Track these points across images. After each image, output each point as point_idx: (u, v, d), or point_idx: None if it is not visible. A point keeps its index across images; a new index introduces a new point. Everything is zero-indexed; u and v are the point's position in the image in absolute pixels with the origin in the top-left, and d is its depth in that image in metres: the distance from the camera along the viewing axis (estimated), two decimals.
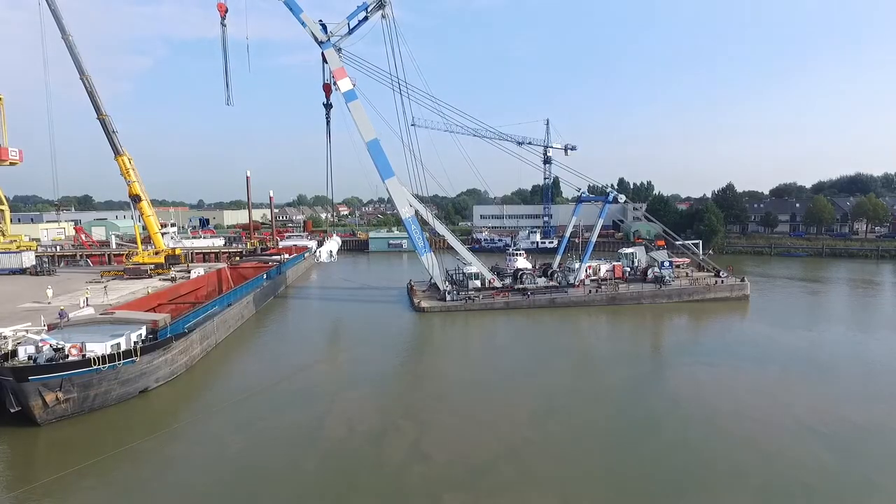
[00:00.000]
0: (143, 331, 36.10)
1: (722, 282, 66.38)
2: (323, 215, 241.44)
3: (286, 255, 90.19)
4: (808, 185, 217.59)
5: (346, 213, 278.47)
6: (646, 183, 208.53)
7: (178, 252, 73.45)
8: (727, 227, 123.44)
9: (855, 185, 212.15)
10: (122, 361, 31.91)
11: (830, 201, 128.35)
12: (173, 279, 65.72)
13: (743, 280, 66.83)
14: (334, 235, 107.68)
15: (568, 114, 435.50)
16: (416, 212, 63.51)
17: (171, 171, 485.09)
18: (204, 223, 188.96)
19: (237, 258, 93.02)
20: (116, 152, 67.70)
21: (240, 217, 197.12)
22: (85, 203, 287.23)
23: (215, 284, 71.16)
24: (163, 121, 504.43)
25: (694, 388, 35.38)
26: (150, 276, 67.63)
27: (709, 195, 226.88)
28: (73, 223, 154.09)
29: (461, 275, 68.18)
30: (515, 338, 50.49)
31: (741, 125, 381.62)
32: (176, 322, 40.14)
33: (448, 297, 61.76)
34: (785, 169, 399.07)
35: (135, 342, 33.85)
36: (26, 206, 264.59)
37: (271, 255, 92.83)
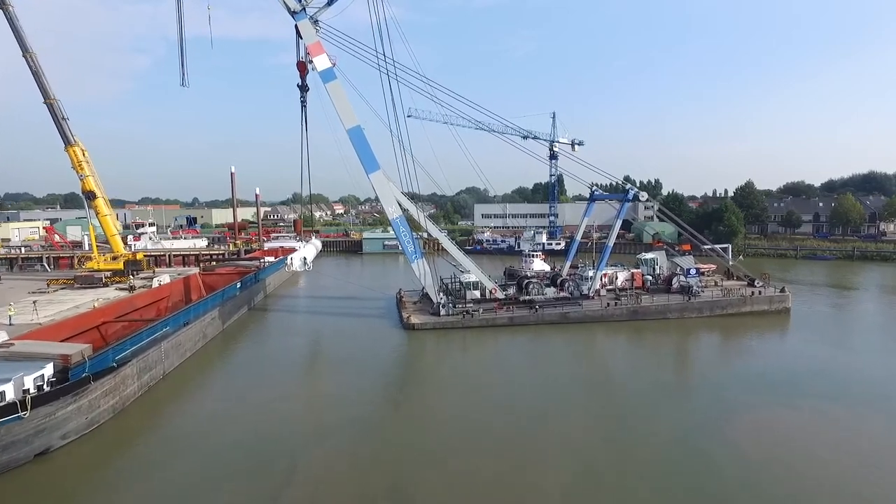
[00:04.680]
0: (49, 369, 27.79)
1: (760, 292, 58.05)
2: (317, 214, 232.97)
3: (267, 260, 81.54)
4: (817, 184, 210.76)
5: (340, 211, 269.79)
6: (653, 181, 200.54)
7: (139, 257, 65.20)
8: (746, 227, 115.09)
9: (870, 183, 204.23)
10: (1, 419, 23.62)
11: (858, 200, 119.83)
12: (131, 288, 57.42)
13: (783, 290, 58.49)
14: (313, 239, 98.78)
15: (568, 113, 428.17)
16: (406, 212, 55.24)
17: (172, 169, 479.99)
18: (191, 222, 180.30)
19: (214, 262, 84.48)
20: (67, 142, 59.31)
21: (230, 215, 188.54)
22: (72, 201, 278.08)
23: (182, 294, 62.63)
24: (163, 119, 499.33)
25: (766, 441, 27.19)
26: (106, 285, 59.35)
27: (710, 194, 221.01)
28: (48, 222, 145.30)
29: (458, 284, 59.92)
30: (525, 365, 42.05)
31: (742, 124, 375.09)
32: (102, 353, 31.86)
33: (442, 312, 53.38)
34: (787, 168, 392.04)
35: (26, 389, 25.53)
36: (15, 205, 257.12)
37: (249, 259, 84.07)
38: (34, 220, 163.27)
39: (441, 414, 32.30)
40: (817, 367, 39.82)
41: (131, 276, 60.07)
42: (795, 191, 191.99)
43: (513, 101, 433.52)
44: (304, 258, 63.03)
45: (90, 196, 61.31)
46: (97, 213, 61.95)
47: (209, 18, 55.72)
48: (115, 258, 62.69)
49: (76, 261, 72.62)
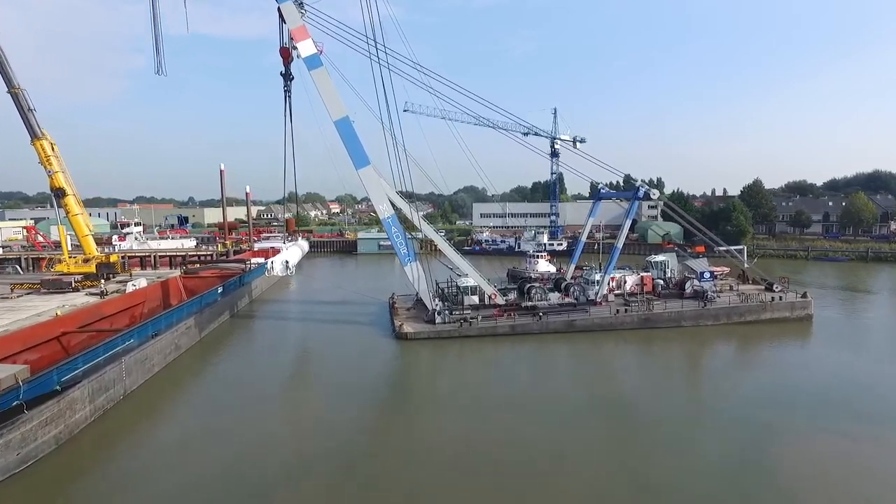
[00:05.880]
0: None
1: (780, 298, 53.95)
2: (312, 213, 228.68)
3: (255, 261, 77.01)
4: (819, 183, 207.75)
5: (337, 210, 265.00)
6: (655, 180, 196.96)
7: (114, 259, 60.68)
8: (753, 227, 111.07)
9: (875, 182, 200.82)
10: None
11: (870, 199, 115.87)
12: (102, 294, 53.11)
13: (805, 296, 54.41)
14: (299, 240, 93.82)
15: (568, 113, 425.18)
16: (400, 211, 51.07)
17: (172, 169, 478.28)
18: (182, 221, 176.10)
19: (197, 265, 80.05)
20: (34, 135, 54.95)
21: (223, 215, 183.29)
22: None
23: (160, 300, 58.34)
24: (163, 119, 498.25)
25: (823, 481, 23.03)
26: (77, 290, 55.03)
27: (709, 193, 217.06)
28: (33, 221, 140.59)
29: (454, 288, 55.82)
30: (531, 382, 37.61)
31: (742, 124, 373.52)
32: (43, 375, 27.53)
33: (438, 319, 49.22)
34: (787, 168, 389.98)
35: None
36: (4, 203, 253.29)
37: (236, 261, 79.43)
38: (20, 219, 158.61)
39: (436, 443, 28.06)
40: (860, 383, 35.65)
41: (102, 281, 55.68)
42: (798, 190, 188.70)
43: (513, 100, 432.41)
44: (286, 262, 58.33)
45: (59, 193, 57.01)
46: (67, 212, 57.71)
47: (185, 2, 51.20)
48: (86, 260, 58.33)
49: (44, 262, 68.25)
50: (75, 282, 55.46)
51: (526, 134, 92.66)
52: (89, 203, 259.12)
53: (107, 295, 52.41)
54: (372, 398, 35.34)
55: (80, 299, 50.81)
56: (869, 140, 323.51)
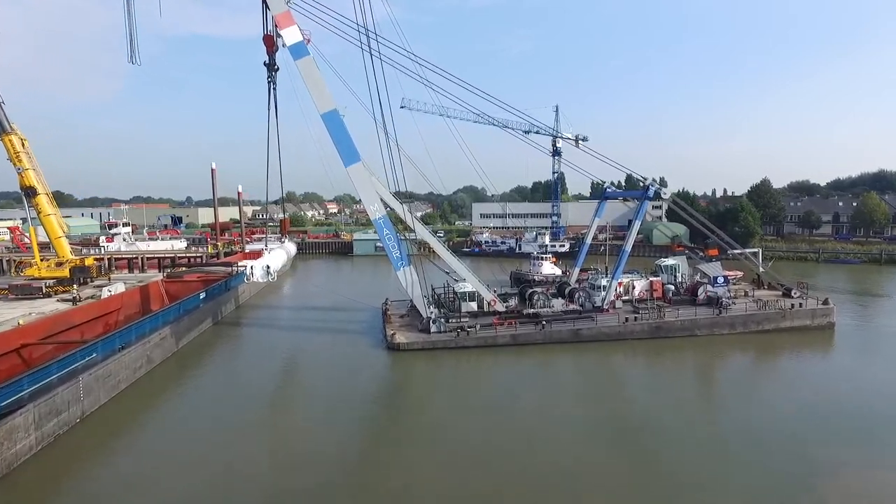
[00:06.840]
0: None
1: (801, 305, 50.39)
2: (309, 213, 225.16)
3: (242, 264, 73.22)
4: (822, 183, 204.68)
5: (334, 210, 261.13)
6: (657, 179, 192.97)
7: (88, 262, 57.11)
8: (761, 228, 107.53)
9: (880, 181, 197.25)
10: None
11: (882, 199, 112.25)
12: (75, 300, 49.59)
13: (826, 302, 50.86)
14: (286, 242, 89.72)
15: (565, 112, 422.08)
16: (392, 212, 47.57)
17: (172, 169, 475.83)
18: (176, 221, 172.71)
19: (183, 268, 76.42)
20: (2, 130, 51.45)
21: (221, 215, 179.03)
22: (59, 199, 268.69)
23: (138, 306, 54.73)
24: (163, 119, 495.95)
25: None
26: (49, 296, 51.51)
27: (709, 193, 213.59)
28: (21, 221, 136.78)
29: (451, 294, 52.31)
30: (536, 401, 33.62)
31: (738, 123, 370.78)
32: None
33: (433, 328, 45.68)
34: (784, 168, 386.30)
35: None
36: (5, 203, 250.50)
37: (223, 264, 75.71)
38: (9, 218, 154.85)
39: (429, 479, 24.50)
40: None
41: (75, 286, 52.14)
42: (804, 190, 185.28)
43: (509, 100, 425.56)
44: (267, 267, 54.57)
45: (30, 192, 53.53)
46: (39, 213, 54.19)
47: None
48: (59, 264, 54.80)
49: (13, 266, 64.65)
50: (47, 287, 51.99)
51: (527, 132, 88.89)
52: (86, 203, 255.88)
53: (80, 301, 48.95)
54: (358, 421, 31.60)
55: (49, 306, 47.31)
56: (866, 140, 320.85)
